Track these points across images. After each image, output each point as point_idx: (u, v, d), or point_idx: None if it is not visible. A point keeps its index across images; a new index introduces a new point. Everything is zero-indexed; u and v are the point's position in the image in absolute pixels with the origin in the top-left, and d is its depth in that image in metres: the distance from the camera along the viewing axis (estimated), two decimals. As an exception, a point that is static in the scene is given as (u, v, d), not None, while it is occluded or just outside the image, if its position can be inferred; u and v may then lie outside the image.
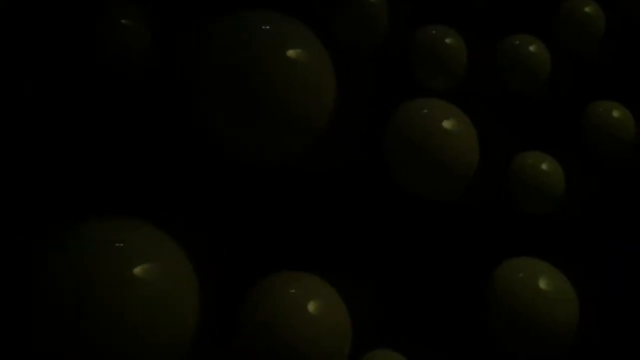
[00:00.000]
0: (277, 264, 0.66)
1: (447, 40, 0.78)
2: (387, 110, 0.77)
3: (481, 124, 0.81)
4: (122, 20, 0.62)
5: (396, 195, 0.76)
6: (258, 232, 0.69)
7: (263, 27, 0.62)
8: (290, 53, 0.62)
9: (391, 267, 0.75)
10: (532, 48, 0.88)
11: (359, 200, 0.74)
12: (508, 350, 0.77)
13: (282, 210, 0.70)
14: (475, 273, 0.80)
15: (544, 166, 0.84)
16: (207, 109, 0.62)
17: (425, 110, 0.73)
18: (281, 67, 0.61)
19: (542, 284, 0.78)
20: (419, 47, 0.77)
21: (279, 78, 0.61)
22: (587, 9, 0.95)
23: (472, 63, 0.84)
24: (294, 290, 0.62)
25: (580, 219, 0.89)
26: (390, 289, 0.75)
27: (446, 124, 0.73)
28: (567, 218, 0.87)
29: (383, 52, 0.79)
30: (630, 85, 1.01)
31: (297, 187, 0.71)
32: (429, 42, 0.77)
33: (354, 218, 0.74)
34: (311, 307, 0.61)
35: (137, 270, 0.52)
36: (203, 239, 0.64)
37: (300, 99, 0.62)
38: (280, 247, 0.69)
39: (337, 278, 0.66)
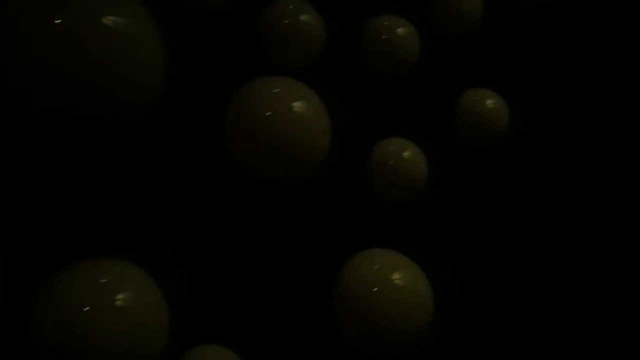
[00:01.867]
0: (95, 249, 0.60)
1: (302, 16, 0.73)
2: (233, 89, 0.72)
3: (342, 107, 0.76)
4: None
5: (240, 179, 0.71)
6: (78, 213, 0.62)
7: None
8: (107, 20, 0.56)
9: (231, 257, 0.70)
10: (400, 30, 0.84)
11: (197, 185, 0.69)
12: (357, 346, 0.73)
13: (108, 192, 0.64)
14: (328, 265, 0.76)
15: (406, 154, 0.81)
16: (19, 78, 0.55)
17: (270, 89, 0.67)
18: (96, 34, 0.55)
19: (397, 278, 0.75)
20: (269, 21, 0.72)
21: (96, 47, 0.55)
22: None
23: (334, 42, 0.79)
24: (104, 280, 0.56)
25: (445, 209, 0.86)
26: (229, 281, 0.70)
27: (294, 105, 0.67)
28: (431, 208, 0.84)
29: (233, 24, 0.74)
30: (506, 72, 0.99)
31: (127, 168, 0.65)
32: (280, 16, 0.72)
33: (191, 204, 0.69)
34: (121, 298, 0.55)
35: None
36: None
37: (119, 68, 0.56)
38: (103, 232, 0.63)
39: (163, 268, 0.61)
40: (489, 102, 0.93)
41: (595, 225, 0.97)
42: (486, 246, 0.87)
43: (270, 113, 0.66)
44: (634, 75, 1.05)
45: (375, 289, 0.72)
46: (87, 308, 0.52)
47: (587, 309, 0.92)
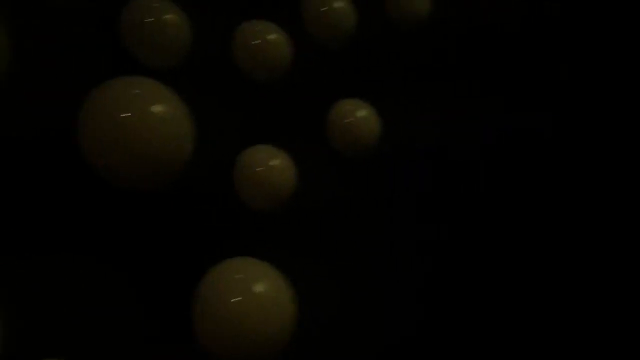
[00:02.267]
0: None
1: (166, 16, 0.70)
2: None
3: (209, 112, 0.74)
4: None
5: (97, 184, 0.68)
6: None
7: None
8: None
9: (87, 265, 0.66)
10: (271, 36, 0.82)
11: (50, 189, 0.65)
12: (215, 356, 0.71)
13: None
14: (190, 274, 0.73)
15: (274, 162, 0.79)
16: None
17: (129, 90, 0.64)
18: None
19: (260, 288, 0.73)
20: (132, 19, 0.69)
21: None
22: (337, 4, 0.91)
23: (203, 44, 0.77)
24: None
25: (312, 218, 0.86)
26: (83, 290, 0.66)
27: (152, 107, 0.65)
28: (298, 217, 0.83)
29: (93, 20, 0.70)
30: (379, 83, 1.00)
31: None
32: (143, 14, 0.69)
33: (44, 208, 0.65)
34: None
35: None
36: None
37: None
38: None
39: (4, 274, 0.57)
40: (361, 112, 0.93)
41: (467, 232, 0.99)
42: (349, 255, 0.87)
43: (127, 115, 0.63)
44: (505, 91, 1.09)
45: (236, 299, 0.71)
46: None
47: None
